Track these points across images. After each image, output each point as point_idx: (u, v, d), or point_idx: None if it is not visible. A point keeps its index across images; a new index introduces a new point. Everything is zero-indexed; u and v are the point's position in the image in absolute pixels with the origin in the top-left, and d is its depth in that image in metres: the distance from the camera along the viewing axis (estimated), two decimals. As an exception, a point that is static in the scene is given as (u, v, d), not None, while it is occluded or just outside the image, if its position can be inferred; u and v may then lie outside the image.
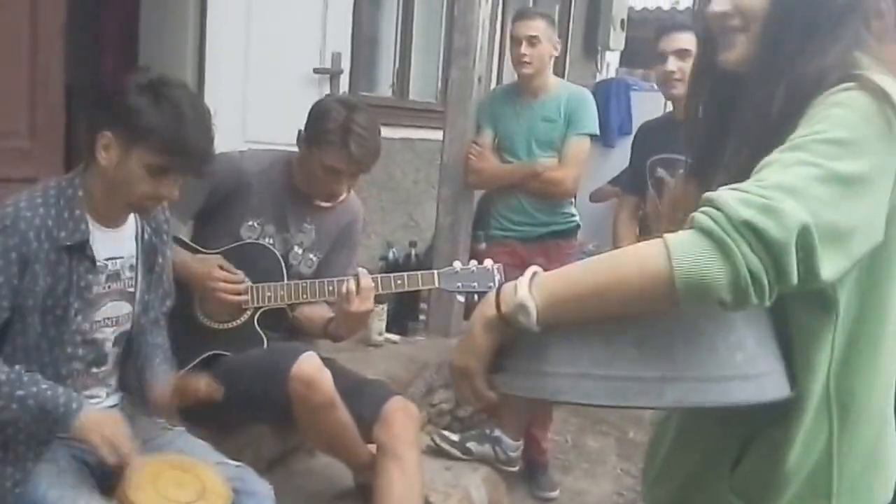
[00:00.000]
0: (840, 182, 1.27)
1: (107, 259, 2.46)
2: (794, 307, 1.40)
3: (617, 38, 9.23)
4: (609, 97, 8.59)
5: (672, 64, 3.73)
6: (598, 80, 9.26)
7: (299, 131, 3.15)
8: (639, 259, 1.28)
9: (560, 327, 1.36)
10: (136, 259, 2.54)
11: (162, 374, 2.61)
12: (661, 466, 1.67)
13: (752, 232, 1.20)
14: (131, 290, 2.54)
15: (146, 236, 2.56)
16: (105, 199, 2.41)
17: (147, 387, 2.59)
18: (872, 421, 1.48)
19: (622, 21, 9.22)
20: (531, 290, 1.36)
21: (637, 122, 4.47)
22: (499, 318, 1.39)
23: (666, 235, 1.27)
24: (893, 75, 1.39)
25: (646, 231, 3.96)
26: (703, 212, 1.26)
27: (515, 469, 4.32)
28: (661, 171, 3.83)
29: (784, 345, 1.41)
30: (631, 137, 4.31)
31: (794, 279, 1.22)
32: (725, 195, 1.25)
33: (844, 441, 1.45)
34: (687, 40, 3.75)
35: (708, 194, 1.28)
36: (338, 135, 3.01)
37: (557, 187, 4.38)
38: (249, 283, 3.09)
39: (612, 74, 9.73)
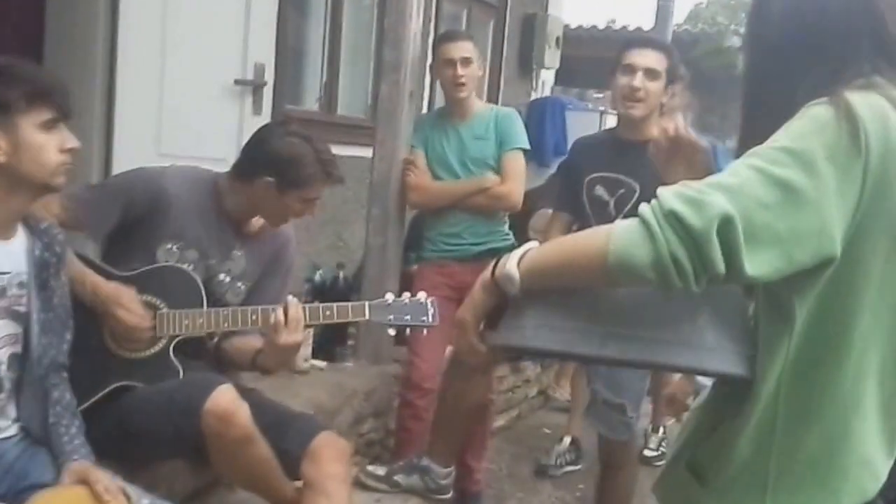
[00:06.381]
0: (781, 186, 1.39)
1: None
2: (762, 314, 1.57)
3: (552, 57, 9.12)
4: (544, 116, 8.50)
5: (640, 80, 3.54)
6: (532, 98, 9.16)
7: (268, 180, 2.94)
8: (588, 241, 1.50)
9: (537, 291, 1.58)
10: (29, 276, 2.34)
11: (80, 448, 2.41)
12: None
13: (675, 219, 1.36)
14: (21, 308, 2.33)
15: (37, 252, 2.36)
16: None
17: (62, 462, 2.37)
18: (823, 431, 1.55)
19: (557, 39, 9.13)
20: (519, 262, 1.58)
21: (571, 142, 4.40)
22: (493, 282, 1.63)
23: (617, 222, 1.45)
24: None
25: None
26: (649, 204, 1.41)
27: (447, 497, 4.17)
28: (600, 190, 3.70)
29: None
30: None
31: (721, 268, 1.36)
32: (669, 190, 1.41)
33: (787, 444, 1.55)
34: (658, 60, 3.59)
35: (659, 189, 1.43)
36: (317, 168, 2.98)
37: (504, 201, 4.35)
38: (166, 309, 2.87)
39: (546, 93, 9.65)
